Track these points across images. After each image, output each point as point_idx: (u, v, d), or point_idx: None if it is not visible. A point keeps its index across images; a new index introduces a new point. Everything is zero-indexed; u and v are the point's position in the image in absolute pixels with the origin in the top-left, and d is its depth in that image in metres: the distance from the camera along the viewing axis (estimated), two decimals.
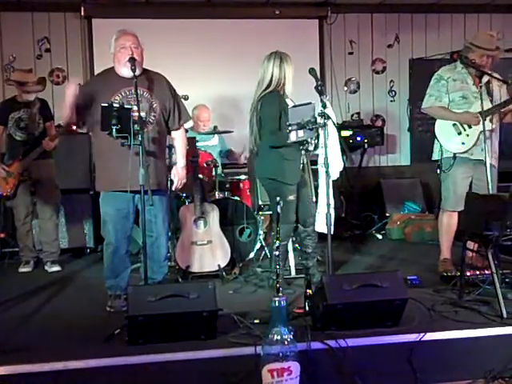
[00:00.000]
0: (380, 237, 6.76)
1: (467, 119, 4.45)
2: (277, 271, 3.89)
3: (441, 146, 4.60)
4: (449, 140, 4.55)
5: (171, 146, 4.72)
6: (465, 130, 4.49)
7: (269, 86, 4.30)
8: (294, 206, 4.30)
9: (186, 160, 4.26)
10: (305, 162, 4.40)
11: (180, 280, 4.68)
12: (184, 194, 5.24)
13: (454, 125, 4.53)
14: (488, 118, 4.39)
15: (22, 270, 5.43)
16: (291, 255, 4.82)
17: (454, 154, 4.52)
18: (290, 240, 4.76)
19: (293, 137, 4.00)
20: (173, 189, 4.31)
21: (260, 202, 5.14)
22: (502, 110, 4.53)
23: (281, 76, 4.30)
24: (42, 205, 5.42)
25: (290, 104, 4.26)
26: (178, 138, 4.22)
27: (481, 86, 4.42)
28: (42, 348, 3.16)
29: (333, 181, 4.05)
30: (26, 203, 5.44)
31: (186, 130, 5.45)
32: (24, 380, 2.85)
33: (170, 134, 4.21)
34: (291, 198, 4.25)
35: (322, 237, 4.23)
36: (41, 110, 5.32)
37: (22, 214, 5.45)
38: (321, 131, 3.89)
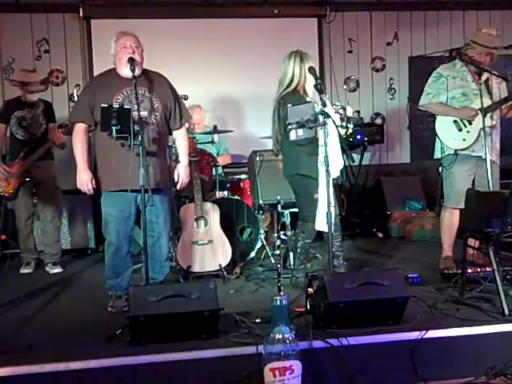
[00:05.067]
0: (381, 235, 6.77)
1: (465, 113, 4.44)
2: (278, 270, 3.92)
3: (442, 143, 4.60)
4: (450, 137, 4.54)
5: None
6: (465, 126, 4.48)
7: (289, 85, 4.32)
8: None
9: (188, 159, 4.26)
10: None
11: (181, 280, 4.68)
12: (186, 194, 5.24)
13: (455, 121, 4.52)
14: (488, 115, 4.39)
15: (22, 271, 5.43)
16: (292, 254, 4.82)
17: (455, 150, 4.52)
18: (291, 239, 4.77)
19: (292, 136, 3.99)
20: (177, 188, 4.29)
21: (261, 202, 5.13)
22: (503, 107, 4.53)
23: (301, 75, 4.30)
24: (43, 207, 5.42)
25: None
26: (180, 137, 4.21)
27: (480, 83, 4.42)
28: (44, 349, 3.16)
29: (333, 179, 4.04)
30: (27, 205, 5.44)
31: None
32: (25, 381, 2.85)
33: (171, 134, 4.21)
34: (317, 196, 4.16)
35: (322, 236, 4.22)
36: (45, 111, 5.33)
37: (23, 216, 5.46)
38: (320, 130, 3.88)
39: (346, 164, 4.51)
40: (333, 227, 4.27)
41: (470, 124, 4.46)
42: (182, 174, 4.14)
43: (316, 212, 4.15)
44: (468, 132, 4.47)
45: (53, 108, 5.49)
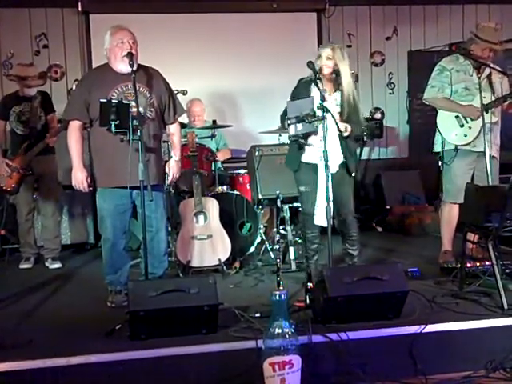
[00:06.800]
0: (380, 229, 6.77)
1: (469, 112, 4.42)
2: (277, 264, 3.93)
3: (442, 137, 4.58)
4: (451, 132, 4.53)
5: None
6: (467, 122, 4.46)
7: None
8: (308, 197, 4.15)
9: (181, 154, 4.26)
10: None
11: (180, 275, 4.68)
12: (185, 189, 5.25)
13: (457, 117, 4.50)
14: (490, 111, 4.37)
15: (22, 266, 5.43)
16: (291, 249, 4.83)
17: (456, 146, 4.51)
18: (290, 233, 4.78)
19: (291, 130, 3.99)
20: (167, 182, 4.29)
21: (260, 196, 5.13)
22: (506, 103, 4.51)
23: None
24: (44, 201, 5.42)
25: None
26: (174, 132, 4.20)
27: (479, 77, 4.40)
28: (44, 344, 3.16)
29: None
30: (28, 200, 5.43)
31: (185, 125, 5.44)
32: (26, 376, 2.86)
33: (165, 128, 4.20)
34: (302, 189, 4.20)
35: (321, 230, 4.21)
36: (42, 103, 5.32)
37: (24, 210, 5.45)
38: (320, 124, 3.88)
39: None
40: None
41: (472, 120, 4.44)
42: (173, 169, 4.14)
43: (306, 205, 4.20)
44: (470, 128, 4.45)
45: (50, 98, 5.47)
